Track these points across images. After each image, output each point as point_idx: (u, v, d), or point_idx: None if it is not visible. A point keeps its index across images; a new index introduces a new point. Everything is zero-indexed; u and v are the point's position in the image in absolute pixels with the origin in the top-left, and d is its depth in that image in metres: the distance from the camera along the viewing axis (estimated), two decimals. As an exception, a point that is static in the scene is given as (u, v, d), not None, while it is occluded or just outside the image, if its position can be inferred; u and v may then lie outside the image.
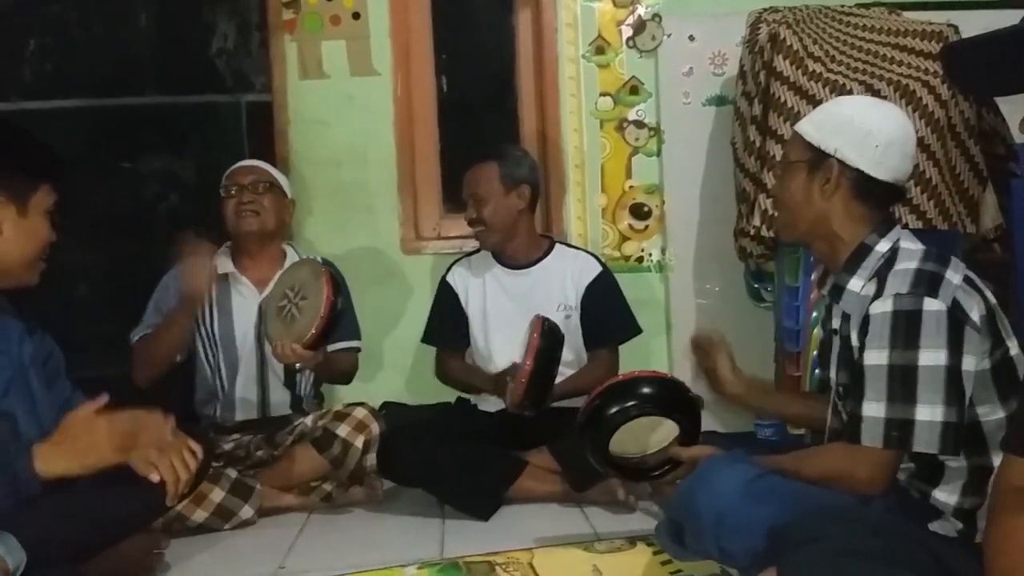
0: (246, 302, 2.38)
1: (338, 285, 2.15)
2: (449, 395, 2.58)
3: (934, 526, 1.39)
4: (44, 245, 1.62)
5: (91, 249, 2.82)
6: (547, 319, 2.20)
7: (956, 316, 1.33)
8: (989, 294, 1.41)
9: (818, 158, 1.49)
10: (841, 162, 1.47)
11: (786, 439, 2.45)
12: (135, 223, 2.85)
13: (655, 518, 2.03)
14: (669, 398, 1.69)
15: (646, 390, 1.69)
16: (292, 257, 2.47)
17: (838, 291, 1.50)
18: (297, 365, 2.26)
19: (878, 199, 1.49)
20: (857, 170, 1.46)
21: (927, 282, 1.36)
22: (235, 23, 2.85)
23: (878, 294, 1.39)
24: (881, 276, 1.41)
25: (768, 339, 2.67)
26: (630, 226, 2.96)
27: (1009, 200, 2.41)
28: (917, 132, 2.32)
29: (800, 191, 1.51)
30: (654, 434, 1.69)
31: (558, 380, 2.30)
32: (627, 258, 2.95)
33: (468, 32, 3.19)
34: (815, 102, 2.35)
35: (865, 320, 1.39)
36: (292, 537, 2.11)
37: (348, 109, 2.90)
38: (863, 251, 1.47)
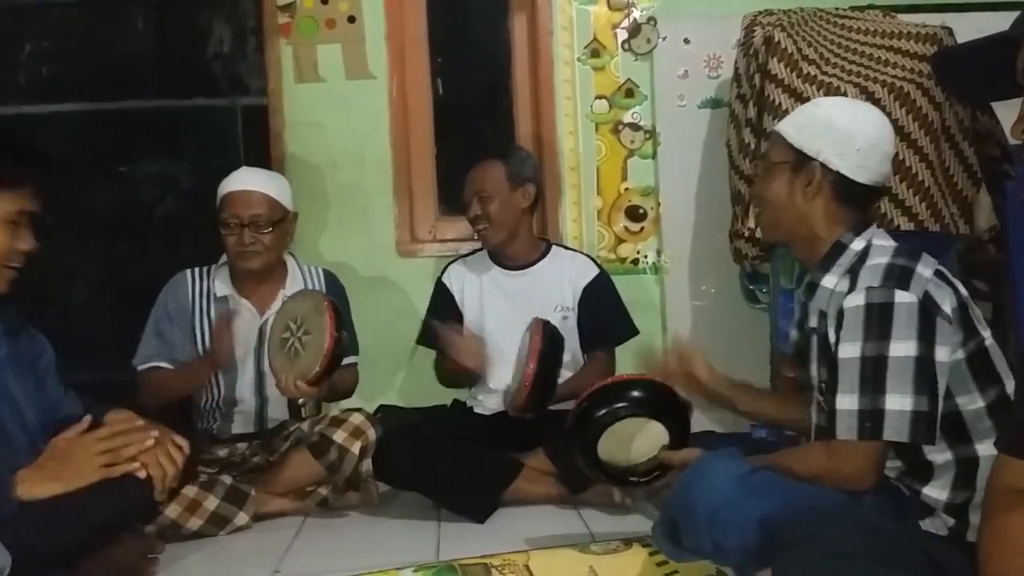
0: (247, 324, 2.33)
1: (341, 319, 2.11)
2: (445, 398, 2.58)
3: (926, 524, 1.40)
4: (2, 254, 1.58)
5: (88, 252, 2.83)
6: (547, 322, 2.21)
7: (927, 308, 1.36)
8: (960, 287, 1.43)
9: (800, 160, 1.52)
10: (823, 165, 1.49)
11: (783, 439, 2.45)
12: (132, 226, 2.85)
13: (651, 519, 2.03)
14: (658, 401, 1.69)
15: (635, 393, 1.69)
16: (293, 269, 2.43)
17: (812, 288, 1.53)
18: (300, 400, 2.26)
19: (858, 200, 1.52)
20: (838, 173, 1.49)
21: (898, 275, 1.39)
22: (231, 27, 2.85)
23: (851, 289, 1.41)
24: (854, 272, 1.44)
25: (763, 340, 2.68)
26: (626, 228, 2.97)
27: (1003, 201, 2.42)
28: (911, 134, 2.35)
29: (783, 192, 1.54)
30: (643, 439, 1.69)
31: (560, 382, 2.32)
32: (623, 260, 2.96)
33: (464, 35, 3.19)
34: (809, 104, 2.36)
35: (840, 315, 1.41)
36: (288, 540, 2.11)
37: (344, 112, 2.90)
38: (838, 249, 1.50)
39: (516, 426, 2.28)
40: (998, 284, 2.45)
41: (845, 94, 2.35)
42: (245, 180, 2.35)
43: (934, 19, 2.60)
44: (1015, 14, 1.24)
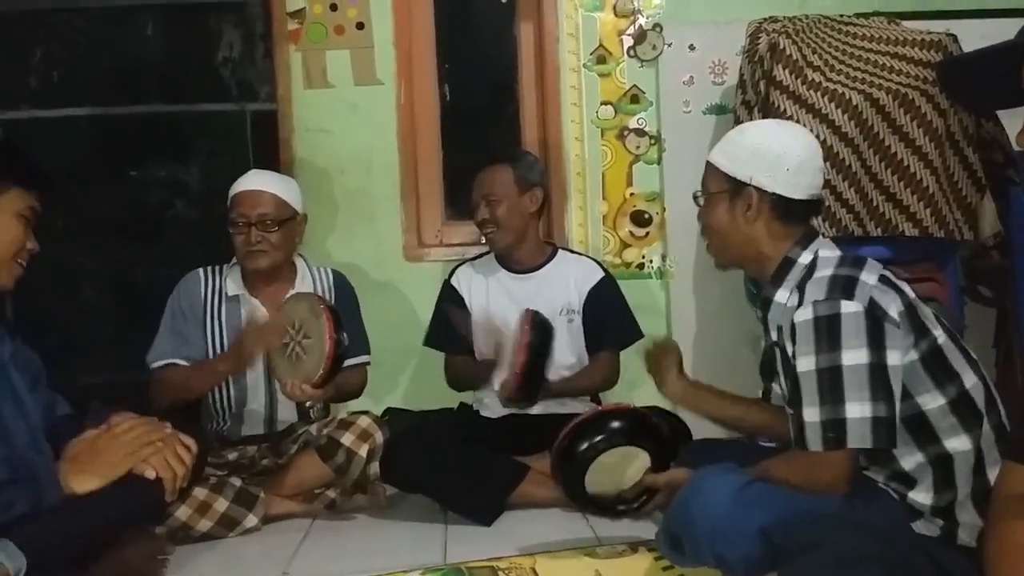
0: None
1: (339, 320, 2.11)
2: (451, 401, 2.59)
3: (918, 527, 1.42)
4: (15, 247, 1.63)
5: (98, 256, 2.85)
6: (537, 312, 2.23)
7: (874, 315, 1.39)
8: (908, 290, 1.46)
9: (736, 187, 1.56)
10: (758, 189, 1.53)
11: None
12: (141, 230, 2.87)
13: (657, 523, 2.04)
14: (633, 428, 1.71)
15: (613, 424, 1.72)
16: (303, 270, 2.45)
17: (767, 304, 1.57)
18: (307, 403, 2.28)
19: (798, 215, 1.56)
20: (774, 194, 1.53)
21: (842, 286, 1.42)
22: (240, 33, 2.87)
23: (799, 304, 1.45)
24: (802, 286, 1.48)
25: (768, 346, 2.68)
26: (631, 233, 2.98)
27: (1008, 208, 2.43)
28: (915, 140, 2.37)
29: (725, 219, 1.59)
30: (629, 468, 1.71)
31: (559, 379, 2.33)
32: (628, 265, 2.97)
33: (471, 41, 3.21)
34: (814, 111, 2.37)
35: (792, 330, 1.44)
36: (296, 543, 2.12)
37: (352, 118, 2.92)
38: (787, 264, 1.54)
39: (522, 429, 2.30)
40: (1002, 290, 2.46)
41: (850, 101, 2.37)
42: (254, 181, 2.37)
43: (938, 26, 2.61)
44: (1019, 21, 1.26)
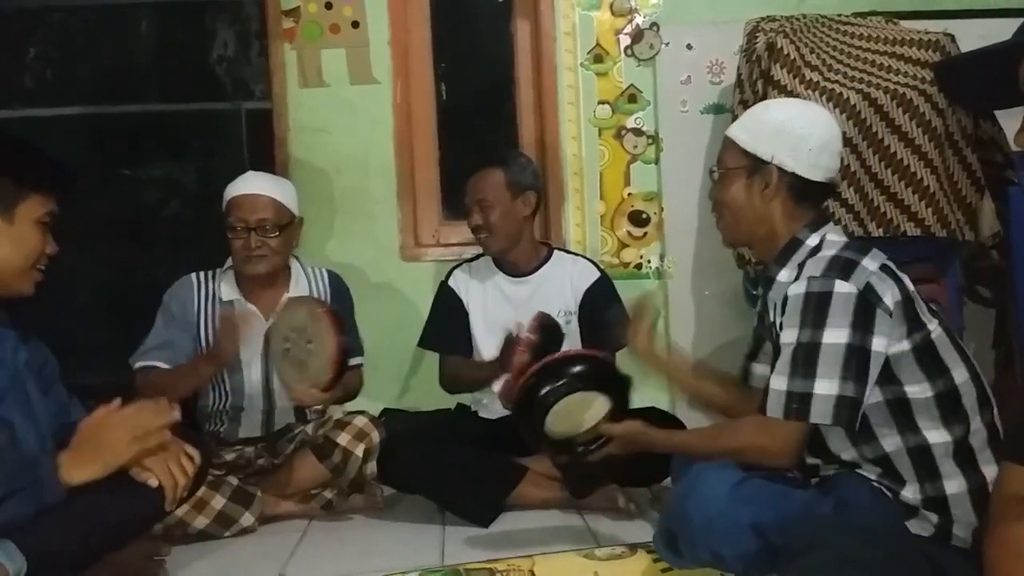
0: (252, 328, 2.32)
1: (341, 322, 2.11)
2: (449, 402, 2.58)
3: (912, 526, 1.42)
4: (36, 255, 1.61)
5: (93, 255, 2.83)
6: (546, 314, 2.22)
7: (867, 299, 1.40)
8: (907, 281, 1.47)
9: (755, 164, 1.56)
10: (778, 167, 1.53)
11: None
12: (136, 229, 2.86)
13: (655, 525, 2.04)
14: (598, 375, 1.72)
15: (576, 368, 1.71)
16: (297, 272, 2.42)
17: (769, 283, 1.58)
18: (316, 406, 2.27)
19: (813, 198, 1.57)
20: (793, 174, 1.53)
21: (841, 266, 1.43)
22: (235, 31, 2.86)
23: (796, 279, 1.46)
24: (803, 265, 1.49)
25: (767, 346, 2.68)
26: (629, 233, 2.98)
27: (1007, 208, 2.42)
28: (915, 140, 2.37)
29: (741, 197, 1.58)
30: (585, 412, 1.70)
31: None
32: (626, 265, 2.97)
33: (467, 40, 3.21)
34: (813, 111, 2.37)
35: (784, 302, 1.46)
36: (292, 544, 2.11)
37: (348, 117, 2.91)
38: (794, 244, 1.55)
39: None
40: (1001, 290, 2.46)
41: (848, 100, 2.36)
42: (252, 184, 2.34)
43: (936, 26, 2.61)
44: (1017, 21, 1.25)
